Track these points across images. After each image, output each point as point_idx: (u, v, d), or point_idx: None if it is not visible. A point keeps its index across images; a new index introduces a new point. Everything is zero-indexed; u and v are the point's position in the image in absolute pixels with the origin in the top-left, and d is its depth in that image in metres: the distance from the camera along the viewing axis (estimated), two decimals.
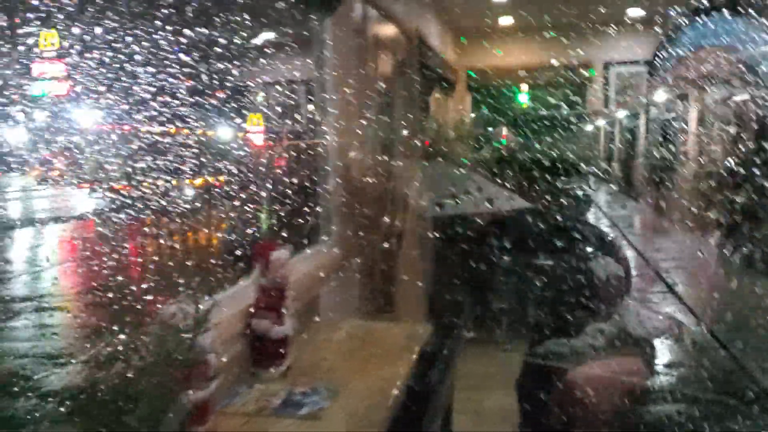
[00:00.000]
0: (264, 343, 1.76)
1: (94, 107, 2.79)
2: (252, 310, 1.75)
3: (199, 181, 3.15)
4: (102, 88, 2.57)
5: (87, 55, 2.53)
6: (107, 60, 2.42)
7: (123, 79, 2.52)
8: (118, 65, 2.46)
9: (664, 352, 3.14)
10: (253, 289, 1.74)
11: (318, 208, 2.52)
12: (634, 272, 4.10)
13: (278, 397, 1.63)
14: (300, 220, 2.55)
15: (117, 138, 2.89)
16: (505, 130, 6.33)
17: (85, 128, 2.98)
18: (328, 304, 2.17)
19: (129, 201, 2.82)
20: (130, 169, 2.90)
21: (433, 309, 2.79)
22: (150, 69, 2.51)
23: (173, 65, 2.56)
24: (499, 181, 4.56)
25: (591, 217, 4.76)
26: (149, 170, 2.80)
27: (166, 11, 2.34)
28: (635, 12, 5.08)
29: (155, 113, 2.64)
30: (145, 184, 2.82)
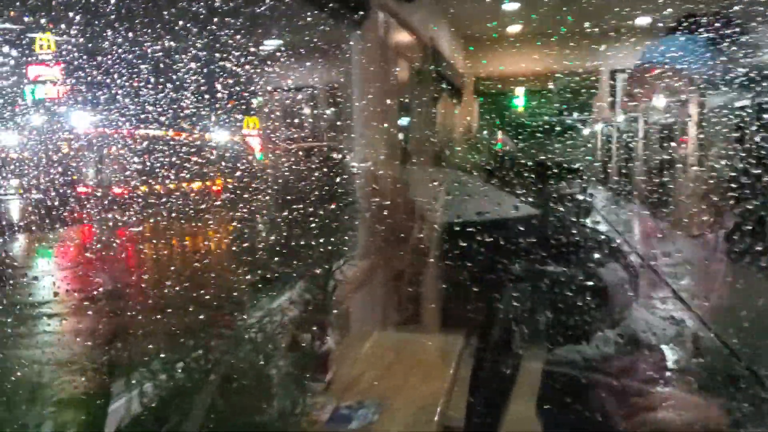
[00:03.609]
0: (307, 357, 1.78)
1: (91, 111, 2.77)
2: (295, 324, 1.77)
3: (204, 186, 3.10)
4: (101, 92, 2.55)
5: (85, 57, 2.50)
6: (108, 62, 2.40)
7: (124, 82, 2.49)
8: (119, 68, 2.44)
9: (672, 357, 3.17)
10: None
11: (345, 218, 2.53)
12: (639, 277, 4.14)
13: (326, 411, 1.65)
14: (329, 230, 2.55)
15: (115, 142, 2.86)
16: (500, 134, 6.30)
17: (83, 132, 2.96)
18: (357, 315, 2.19)
19: (128, 205, 2.79)
20: (128, 173, 2.88)
21: (454, 319, 2.80)
22: (156, 71, 2.49)
23: (184, 68, 2.55)
24: (497, 185, 4.54)
25: (592, 221, 4.78)
26: (150, 174, 2.78)
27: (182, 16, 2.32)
28: (643, 20, 5.14)
29: (159, 116, 2.61)
30: (145, 188, 2.79)
